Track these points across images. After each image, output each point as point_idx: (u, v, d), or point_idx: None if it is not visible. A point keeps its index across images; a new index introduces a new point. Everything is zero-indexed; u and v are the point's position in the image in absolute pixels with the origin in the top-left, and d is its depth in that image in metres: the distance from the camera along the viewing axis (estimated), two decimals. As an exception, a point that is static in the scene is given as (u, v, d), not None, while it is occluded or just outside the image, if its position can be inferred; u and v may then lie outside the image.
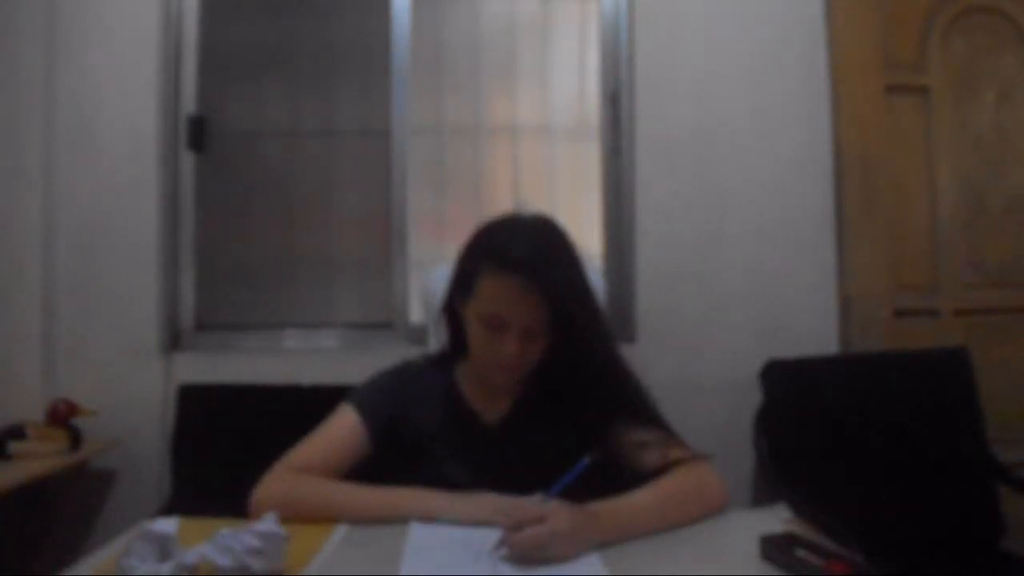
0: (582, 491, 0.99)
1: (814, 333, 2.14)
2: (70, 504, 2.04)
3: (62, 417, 1.90)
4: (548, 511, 0.91)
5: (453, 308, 1.18)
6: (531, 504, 0.94)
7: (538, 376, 1.15)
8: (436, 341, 1.36)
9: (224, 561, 0.80)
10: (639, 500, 1.02)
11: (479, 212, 2.28)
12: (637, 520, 0.99)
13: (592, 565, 0.89)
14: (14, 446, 1.82)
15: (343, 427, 1.16)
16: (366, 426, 1.15)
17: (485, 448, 1.16)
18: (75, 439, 1.89)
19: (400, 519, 1.01)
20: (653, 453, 1.10)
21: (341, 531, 1.01)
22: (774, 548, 0.89)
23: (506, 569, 0.88)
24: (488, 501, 1.01)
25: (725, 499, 1.08)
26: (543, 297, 1.04)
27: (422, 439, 1.16)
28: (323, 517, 1.02)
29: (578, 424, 1.11)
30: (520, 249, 1.06)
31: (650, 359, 2.09)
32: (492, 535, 0.93)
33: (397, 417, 1.17)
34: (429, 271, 2.15)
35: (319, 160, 2.28)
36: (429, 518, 1.01)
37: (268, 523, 0.83)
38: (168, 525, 0.82)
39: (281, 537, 0.84)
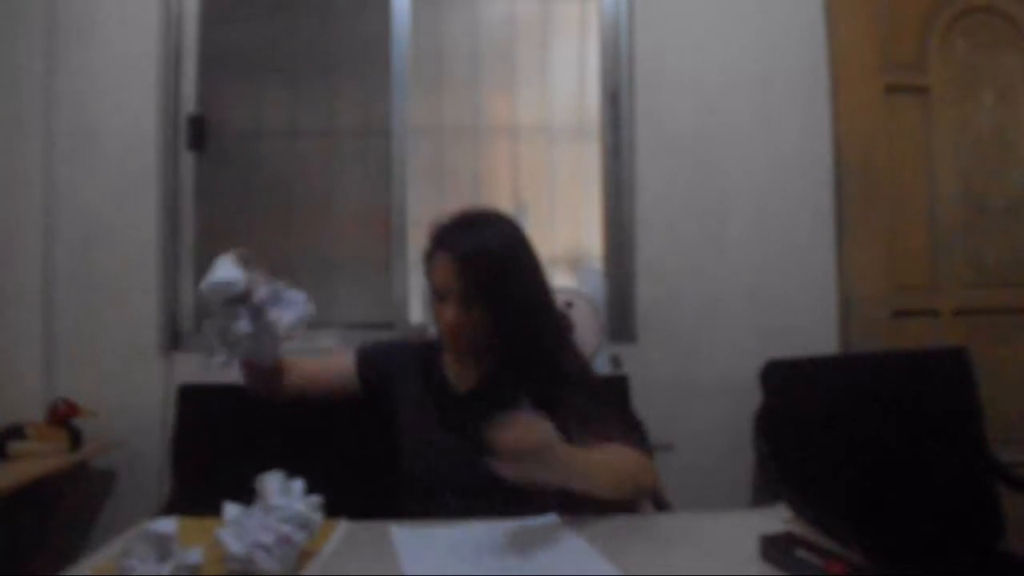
0: None
1: (814, 333, 2.14)
2: (70, 504, 2.04)
3: (62, 417, 1.90)
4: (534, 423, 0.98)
5: None
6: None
7: (499, 352, 1.27)
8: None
9: (236, 548, 0.80)
10: (593, 453, 1.08)
11: (479, 212, 2.29)
12: (591, 464, 1.04)
13: (599, 564, 0.89)
14: (14, 446, 1.82)
15: (335, 356, 1.38)
16: (356, 363, 1.34)
17: (458, 412, 1.26)
18: (75, 439, 1.89)
19: None
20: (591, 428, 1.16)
21: (341, 531, 1.01)
22: (774, 548, 0.89)
23: (509, 568, 0.88)
24: None
25: (656, 481, 1.18)
26: (463, 266, 1.18)
27: (408, 401, 1.31)
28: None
29: (534, 394, 1.16)
30: (456, 231, 1.23)
31: (650, 359, 2.10)
32: (481, 535, 0.95)
33: (387, 374, 1.34)
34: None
35: (319, 160, 2.28)
36: None
37: (291, 527, 0.84)
38: (168, 525, 0.82)
39: (295, 544, 0.84)
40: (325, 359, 1.39)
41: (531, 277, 1.26)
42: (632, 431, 1.28)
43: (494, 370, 1.28)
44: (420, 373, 1.34)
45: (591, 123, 2.29)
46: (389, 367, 1.35)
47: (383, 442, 1.34)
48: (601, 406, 1.23)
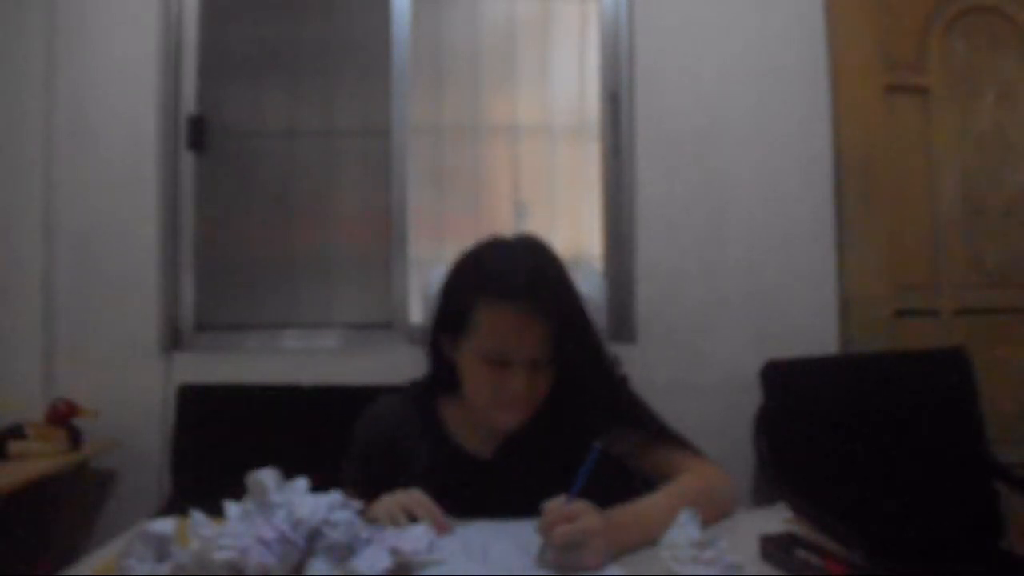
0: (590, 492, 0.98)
1: (814, 333, 2.14)
2: (70, 504, 2.04)
3: (62, 417, 1.90)
4: (577, 509, 0.86)
5: (438, 345, 1.08)
6: (558, 504, 0.88)
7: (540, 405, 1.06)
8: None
9: (236, 540, 0.80)
10: (655, 505, 0.96)
11: (479, 212, 2.29)
12: (655, 527, 0.91)
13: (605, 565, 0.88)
14: (14, 446, 1.82)
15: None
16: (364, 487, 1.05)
17: (477, 483, 1.06)
18: (75, 439, 1.89)
19: None
20: (659, 456, 1.09)
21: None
22: (774, 548, 0.89)
23: (517, 568, 0.87)
24: (385, 501, 0.95)
25: (735, 500, 1.08)
26: (547, 323, 0.97)
27: (411, 479, 1.04)
28: None
29: (578, 448, 0.97)
30: (517, 274, 0.98)
31: (650, 359, 2.10)
32: (489, 535, 0.94)
33: (386, 463, 1.10)
34: (429, 271, 2.16)
35: (319, 160, 2.28)
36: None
37: (290, 529, 0.83)
38: (167, 525, 0.82)
39: (296, 545, 0.83)
40: None
41: (590, 317, 1.04)
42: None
43: (523, 429, 1.05)
44: (420, 443, 1.09)
45: (591, 123, 2.29)
46: (384, 462, 1.09)
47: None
48: (663, 435, 1.09)
